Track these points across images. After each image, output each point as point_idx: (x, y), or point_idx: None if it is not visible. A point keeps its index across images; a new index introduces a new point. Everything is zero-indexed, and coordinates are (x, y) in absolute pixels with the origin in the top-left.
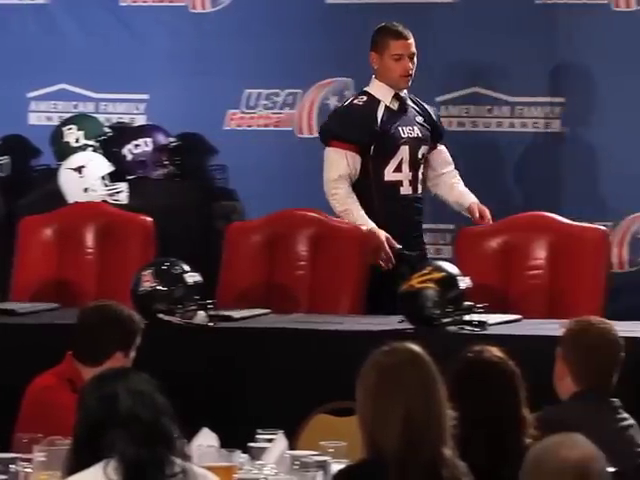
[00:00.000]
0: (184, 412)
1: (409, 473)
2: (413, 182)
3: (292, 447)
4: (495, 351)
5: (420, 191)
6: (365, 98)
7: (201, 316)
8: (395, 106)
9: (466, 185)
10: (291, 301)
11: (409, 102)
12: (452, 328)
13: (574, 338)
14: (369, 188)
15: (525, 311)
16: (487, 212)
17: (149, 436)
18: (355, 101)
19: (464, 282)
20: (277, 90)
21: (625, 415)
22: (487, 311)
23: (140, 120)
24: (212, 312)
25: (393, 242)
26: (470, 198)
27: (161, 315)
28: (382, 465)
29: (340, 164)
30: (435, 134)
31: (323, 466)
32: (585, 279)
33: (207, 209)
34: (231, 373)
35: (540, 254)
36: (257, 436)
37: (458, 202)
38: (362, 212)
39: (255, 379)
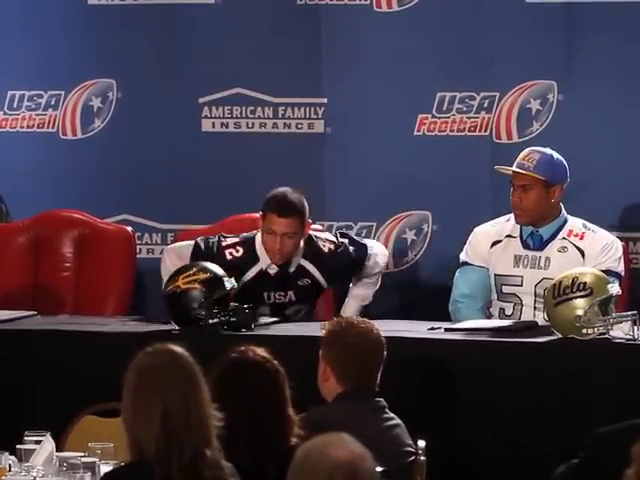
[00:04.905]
0: None
1: (171, 474)
2: None
3: (60, 448)
4: (259, 351)
5: None
6: (243, 252)
7: None
8: (272, 272)
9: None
10: (57, 302)
11: (300, 263)
12: (218, 329)
13: (335, 339)
14: None
15: None
16: None
17: None
18: (233, 251)
19: (229, 283)
20: (40, 91)
21: (391, 415)
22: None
23: None
24: None
25: None
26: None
27: None
28: (146, 466)
29: None
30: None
31: (91, 467)
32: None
33: None
34: None
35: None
36: (25, 438)
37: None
38: None
39: (22, 380)
